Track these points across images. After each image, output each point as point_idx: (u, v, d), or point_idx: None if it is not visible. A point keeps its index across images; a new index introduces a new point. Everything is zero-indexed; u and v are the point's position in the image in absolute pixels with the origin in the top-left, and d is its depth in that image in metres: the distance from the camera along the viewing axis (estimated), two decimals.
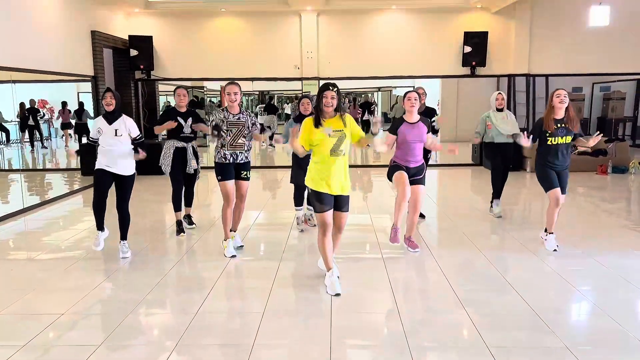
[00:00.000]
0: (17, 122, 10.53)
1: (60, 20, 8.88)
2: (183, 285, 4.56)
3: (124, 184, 5.13)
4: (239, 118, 5.08)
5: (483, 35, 11.09)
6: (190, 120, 5.91)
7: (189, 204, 6.30)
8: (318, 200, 4.13)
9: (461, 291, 4.21)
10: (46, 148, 11.36)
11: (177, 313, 3.94)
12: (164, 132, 6.17)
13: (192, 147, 6.01)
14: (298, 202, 6.18)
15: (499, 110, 6.44)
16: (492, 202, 6.77)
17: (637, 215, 7.23)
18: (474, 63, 11.18)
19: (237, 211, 5.33)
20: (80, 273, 4.80)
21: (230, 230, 5.29)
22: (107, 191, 5.13)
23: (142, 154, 5.20)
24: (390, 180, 5.18)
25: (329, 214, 4.16)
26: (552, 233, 5.26)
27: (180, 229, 6.07)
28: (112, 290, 4.43)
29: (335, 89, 4.04)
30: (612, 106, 13.70)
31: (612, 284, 4.41)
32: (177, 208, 6.11)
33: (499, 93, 6.54)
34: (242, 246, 5.46)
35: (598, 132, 5.15)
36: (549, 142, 5.08)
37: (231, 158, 5.09)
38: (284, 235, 6.01)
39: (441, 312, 3.87)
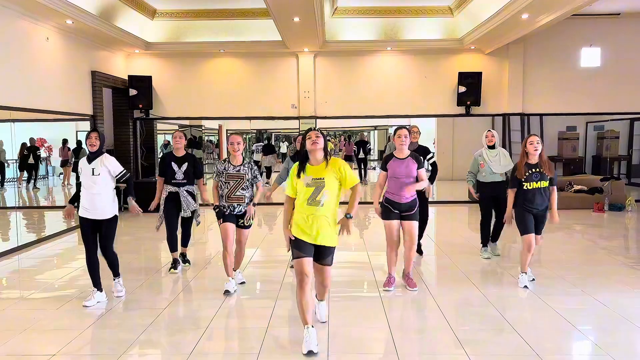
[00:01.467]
0: (16, 161, 10.55)
1: (61, 60, 9.03)
2: (177, 325, 4.48)
3: (105, 228, 4.92)
4: (239, 170, 5.06)
5: (477, 76, 11.30)
6: (184, 166, 5.89)
7: (184, 244, 6.25)
8: (294, 246, 3.87)
9: (460, 331, 4.15)
10: (38, 189, 11.35)
11: (170, 354, 3.85)
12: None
13: (187, 190, 5.94)
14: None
15: (491, 147, 6.46)
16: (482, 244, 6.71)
17: (635, 253, 7.20)
18: (468, 102, 11.35)
19: (238, 253, 5.34)
20: (73, 312, 4.72)
21: (235, 270, 5.37)
22: (94, 243, 4.95)
23: (135, 209, 5.14)
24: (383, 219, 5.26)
25: (305, 262, 3.80)
26: (525, 273, 5.38)
27: (174, 266, 6.02)
28: (105, 331, 4.34)
29: (318, 129, 3.94)
30: (607, 145, 13.84)
31: (612, 323, 4.36)
32: (172, 249, 6.05)
33: (489, 130, 6.56)
34: (243, 282, 5.49)
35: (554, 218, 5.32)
36: (525, 187, 5.22)
37: (228, 210, 5.12)
38: (280, 272, 5.95)
39: (440, 353, 3.80)
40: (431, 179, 6.24)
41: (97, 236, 4.96)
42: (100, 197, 4.86)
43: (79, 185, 5.04)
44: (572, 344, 4.05)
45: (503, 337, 4.05)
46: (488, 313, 4.60)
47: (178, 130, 6.12)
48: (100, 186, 4.85)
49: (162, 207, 5.99)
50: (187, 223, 6.14)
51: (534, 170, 5.20)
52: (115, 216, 5.00)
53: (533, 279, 5.44)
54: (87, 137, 4.92)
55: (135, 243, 7.92)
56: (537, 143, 5.17)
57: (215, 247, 7.32)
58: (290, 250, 3.97)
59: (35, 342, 4.06)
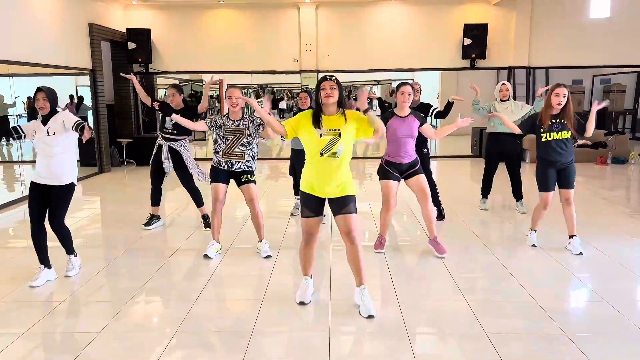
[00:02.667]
0: (17, 115, 10.51)
1: (58, 13, 8.85)
2: (182, 273, 4.56)
3: (57, 197, 4.26)
4: (238, 125, 4.71)
5: (483, 28, 11.05)
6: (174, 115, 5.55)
7: (156, 202, 5.99)
8: (303, 203, 3.67)
9: (460, 278, 4.22)
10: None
11: (176, 301, 3.94)
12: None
13: (170, 147, 5.72)
14: (297, 191, 6.22)
15: (503, 101, 6.36)
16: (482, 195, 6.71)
17: (636, 203, 7.23)
18: (473, 55, 11.15)
19: (256, 218, 4.87)
20: (81, 260, 4.80)
21: (260, 241, 4.95)
22: (41, 214, 4.30)
23: (87, 133, 4.12)
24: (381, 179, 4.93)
25: (312, 222, 3.64)
26: (535, 230, 5.13)
27: (147, 222, 5.93)
28: (111, 278, 4.43)
29: (334, 78, 3.54)
30: (613, 99, 13.67)
31: (611, 271, 4.42)
32: (152, 202, 5.94)
33: (503, 84, 6.41)
34: (269, 256, 4.87)
35: (597, 102, 4.85)
36: (543, 139, 4.81)
37: (225, 165, 4.77)
38: (282, 223, 6.01)
39: (439, 299, 3.88)
40: (446, 113, 6.01)
41: (46, 207, 4.32)
42: (57, 162, 4.23)
43: (15, 127, 4.37)
44: (570, 291, 4.12)
45: (502, 284, 4.12)
46: (488, 261, 4.66)
47: (170, 87, 5.93)
48: (57, 148, 4.23)
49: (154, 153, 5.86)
50: (187, 185, 5.87)
51: (555, 120, 4.75)
52: (72, 184, 4.34)
53: (581, 253, 4.84)
54: (34, 98, 4.24)
55: (139, 194, 7.97)
56: (564, 97, 4.67)
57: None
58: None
59: (43, 289, 4.15)
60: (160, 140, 5.82)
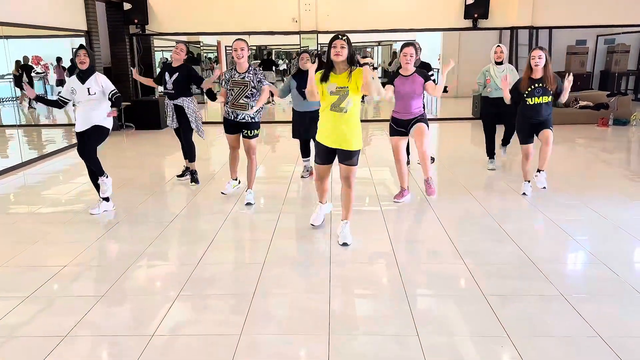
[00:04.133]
0: (10, 80, 10.37)
1: None
2: (184, 237, 4.60)
3: (94, 132, 4.98)
4: (243, 77, 5.03)
5: None
6: (175, 76, 5.84)
7: (186, 156, 6.26)
8: (316, 151, 4.25)
9: (459, 242, 4.25)
10: (34, 109, 11.22)
11: (178, 264, 3.98)
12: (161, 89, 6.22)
13: (175, 104, 5.93)
14: (305, 153, 6.38)
15: (498, 63, 6.33)
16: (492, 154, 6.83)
17: (636, 166, 7.23)
18: (476, 15, 10.91)
19: (249, 167, 5.35)
20: (82, 226, 4.84)
21: (247, 189, 5.40)
22: None
23: (114, 112, 5.10)
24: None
25: (322, 168, 4.27)
26: (528, 181, 5.54)
27: (182, 174, 6.33)
28: (113, 243, 4.47)
29: (345, 37, 3.89)
30: (616, 59, 13.47)
31: (608, 233, 4.45)
32: (184, 157, 6.27)
33: (498, 46, 6.43)
34: (250, 203, 5.31)
35: (568, 74, 5.18)
36: (528, 102, 5.25)
37: (232, 115, 5.15)
38: (283, 188, 6.02)
39: (439, 263, 3.92)
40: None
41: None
42: (95, 112, 4.96)
43: (58, 100, 5.10)
44: (569, 253, 4.16)
45: (501, 247, 4.16)
46: (487, 224, 4.69)
47: (182, 43, 6.03)
48: (96, 103, 4.95)
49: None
50: (183, 136, 6.11)
51: (536, 85, 5.17)
52: (107, 128, 5.05)
53: (544, 187, 5.50)
54: (76, 54, 4.90)
55: (139, 158, 7.97)
56: (539, 58, 5.09)
57: (219, 163, 7.35)
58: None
59: (46, 254, 4.19)
60: (166, 100, 6.06)
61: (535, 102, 5.22)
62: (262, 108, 5.27)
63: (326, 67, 4.00)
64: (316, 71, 4.00)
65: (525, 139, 5.43)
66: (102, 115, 5.02)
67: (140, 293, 3.48)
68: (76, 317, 3.12)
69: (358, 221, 4.85)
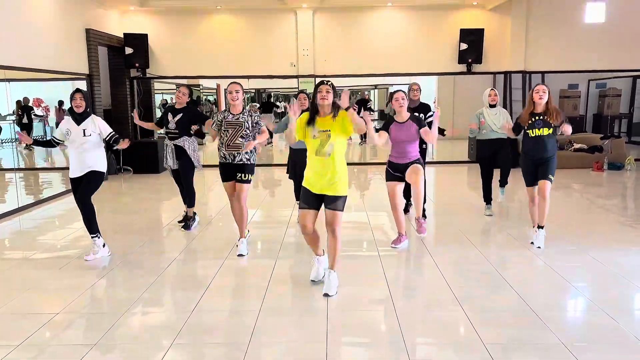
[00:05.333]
0: (13, 121, 10.46)
1: (55, 18, 8.84)
2: (179, 283, 4.54)
3: (90, 178, 4.94)
4: (237, 118, 5.03)
5: (479, 33, 11.08)
6: (178, 116, 5.89)
7: (185, 201, 6.23)
8: (302, 196, 4.15)
9: (457, 288, 4.21)
10: (31, 149, 11.27)
11: (173, 311, 3.92)
12: (162, 131, 6.25)
13: (175, 145, 5.93)
14: (298, 195, 6.25)
15: (492, 106, 6.44)
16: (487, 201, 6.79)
17: (632, 212, 7.24)
18: (470, 60, 11.18)
19: (239, 213, 5.14)
20: (76, 272, 4.79)
21: (239, 239, 5.20)
22: None
23: (126, 142, 5.04)
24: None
25: (309, 215, 4.08)
26: (541, 227, 5.31)
27: (185, 223, 6.17)
28: (107, 289, 4.41)
29: (330, 83, 4.03)
30: (608, 103, 13.72)
31: (608, 280, 4.42)
32: (183, 201, 6.25)
33: (492, 89, 6.55)
34: (241, 255, 5.10)
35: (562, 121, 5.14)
36: (529, 134, 5.22)
37: (230, 158, 5.09)
38: (280, 233, 6.00)
39: (437, 310, 3.87)
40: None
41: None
42: (89, 155, 4.93)
43: (51, 141, 5.09)
44: (568, 301, 4.12)
45: (500, 294, 4.12)
46: (485, 270, 4.66)
47: (185, 86, 6.12)
48: (90, 145, 4.92)
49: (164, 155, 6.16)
50: (182, 179, 6.08)
51: (537, 117, 5.17)
52: (102, 172, 5.01)
53: (539, 247, 5.22)
54: (72, 98, 4.89)
55: (136, 203, 7.96)
56: (543, 92, 5.11)
57: (216, 207, 7.36)
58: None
59: (38, 301, 4.13)
60: (166, 141, 6.07)
61: (537, 134, 5.15)
62: (254, 150, 5.20)
63: (312, 111, 4.10)
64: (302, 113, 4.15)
65: (531, 181, 5.33)
66: (97, 159, 4.98)
67: (133, 342, 3.42)
68: None
69: (355, 267, 4.83)
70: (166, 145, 6.07)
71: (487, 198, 6.71)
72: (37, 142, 5.34)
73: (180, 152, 5.98)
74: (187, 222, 6.14)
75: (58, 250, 5.56)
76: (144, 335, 3.56)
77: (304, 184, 4.14)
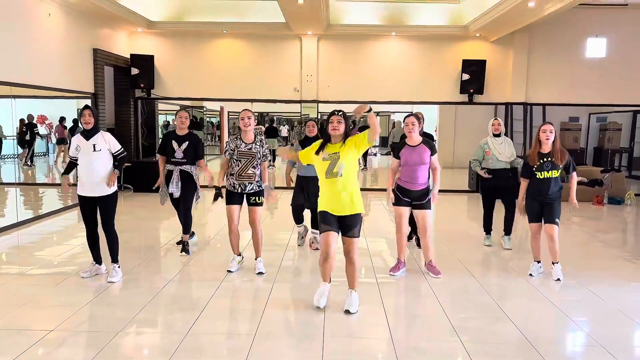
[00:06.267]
0: (15, 137, 10.53)
1: (63, 37, 8.96)
2: (175, 304, 4.50)
3: (105, 203, 4.95)
4: (250, 148, 5.08)
5: (481, 64, 11.22)
6: (184, 145, 5.81)
7: (184, 229, 6.04)
8: (321, 220, 4.19)
9: (455, 319, 4.18)
10: (32, 166, 11.32)
11: (167, 333, 3.88)
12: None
13: (181, 170, 5.83)
14: (298, 220, 6.34)
15: (496, 135, 6.44)
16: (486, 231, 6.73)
17: (632, 247, 7.22)
18: (471, 90, 11.29)
19: (255, 237, 5.28)
20: (72, 289, 4.75)
21: (256, 258, 5.35)
22: (94, 218, 5.02)
23: (115, 175, 4.94)
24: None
25: (331, 237, 4.12)
26: (539, 262, 5.44)
27: (183, 249, 6.02)
28: (103, 308, 4.37)
29: (341, 113, 4.13)
30: (609, 137, 13.80)
31: (607, 315, 4.38)
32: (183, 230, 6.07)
33: (495, 119, 6.56)
34: (261, 273, 5.26)
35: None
36: (537, 176, 5.21)
37: (239, 188, 5.11)
38: (278, 256, 5.97)
39: (435, 340, 3.83)
40: None
41: (96, 213, 5.02)
42: (99, 174, 4.88)
43: (71, 162, 5.09)
44: (567, 335, 4.08)
45: (498, 326, 4.08)
46: (484, 301, 4.62)
47: (184, 110, 6.03)
48: (100, 161, 4.88)
49: (162, 185, 6.00)
50: (181, 206, 5.97)
51: (545, 159, 5.16)
52: (115, 192, 5.02)
53: (559, 279, 5.21)
54: (81, 114, 4.91)
55: (135, 222, 7.94)
56: (550, 132, 5.13)
57: (215, 229, 7.34)
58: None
59: (33, 317, 4.09)
60: (170, 167, 5.90)
61: (545, 177, 5.15)
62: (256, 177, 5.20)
63: (324, 140, 4.20)
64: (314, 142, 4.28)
65: (535, 219, 5.32)
66: (107, 177, 4.92)
67: None
68: None
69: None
70: (169, 172, 5.88)
71: (488, 228, 6.68)
72: (67, 171, 5.25)
73: (187, 178, 5.88)
74: (184, 246, 6.01)
75: (55, 267, 5.53)
76: (137, 357, 3.52)
77: (321, 208, 4.19)
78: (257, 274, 5.25)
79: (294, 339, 3.81)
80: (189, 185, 5.89)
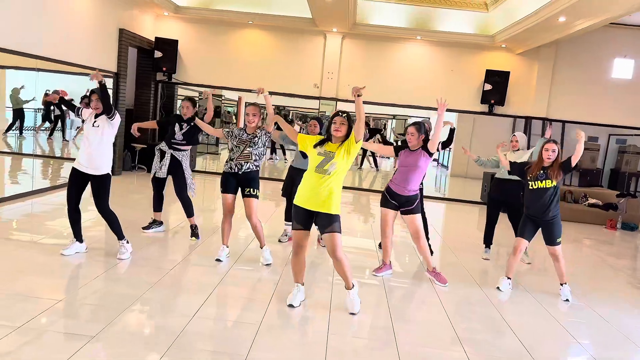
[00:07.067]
0: (41, 110, 10.60)
1: (91, 15, 9.03)
2: (182, 287, 4.53)
3: (97, 187, 4.86)
4: (251, 138, 5.12)
5: (505, 75, 11.14)
6: (186, 126, 5.86)
7: (159, 209, 6.19)
8: (293, 216, 4.14)
9: (459, 328, 4.16)
10: (67, 141, 11.44)
11: (173, 315, 3.90)
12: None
13: (172, 156, 5.90)
14: (288, 216, 6.24)
15: (514, 151, 6.38)
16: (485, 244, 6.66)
17: None
18: (492, 101, 11.22)
19: (255, 231, 5.25)
20: (81, 261, 4.80)
21: (262, 247, 5.33)
22: (77, 196, 4.92)
23: (101, 77, 4.71)
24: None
25: (300, 234, 4.09)
26: (509, 278, 5.29)
27: (147, 226, 6.12)
28: (111, 283, 4.40)
29: (345, 115, 4.06)
30: (627, 160, 13.64)
31: (611, 339, 4.34)
32: (154, 208, 6.15)
33: (514, 135, 6.49)
34: (269, 264, 5.31)
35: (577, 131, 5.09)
36: (530, 187, 5.10)
37: (236, 168, 5.11)
38: (287, 249, 5.98)
39: (438, 347, 3.82)
40: (449, 142, 6.25)
41: (82, 193, 4.94)
42: (97, 152, 4.78)
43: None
44: (569, 355, 4.05)
45: (502, 339, 4.06)
46: (489, 314, 4.60)
47: (186, 100, 6.00)
48: (95, 136, 4.78)
49: (155, 160, 6.07)
50: (178, 192, 6.00)
51: (542, 171, 5.07)
52: (108, 175, 4.90)
53: (567, 300, 5.15)
54: (89, 99, 4.85)
55: (147, 201, 7.97)
56: (552, 152, 5.02)
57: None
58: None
59: (43, 286, 4.13)
60: (164, 147, 5.96)
61: (539, 187, 5.01)
62: (263, 155, 5.23)
63: (325, 137, 4.15)
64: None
65: (520, 232, 5.19)
66: (102, 156, 4.83)
67: (132, 340, 3.39)
68: (62, 355, 3.04)
69: (359, 293, 4.77)
70: (161, 152, 5.95)
71: (487, 241, 6.60)
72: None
73: (176, 166, 5.92)
74: (193, 230, 6.06)
75: (65, 238, 5.57)
76: (142, 335, 3.54)
77: (295, 201, 4.11)
78: (266, 265, 5.27)
79: (298, 333, 3.83)
80: (179, 173, 5.95)
